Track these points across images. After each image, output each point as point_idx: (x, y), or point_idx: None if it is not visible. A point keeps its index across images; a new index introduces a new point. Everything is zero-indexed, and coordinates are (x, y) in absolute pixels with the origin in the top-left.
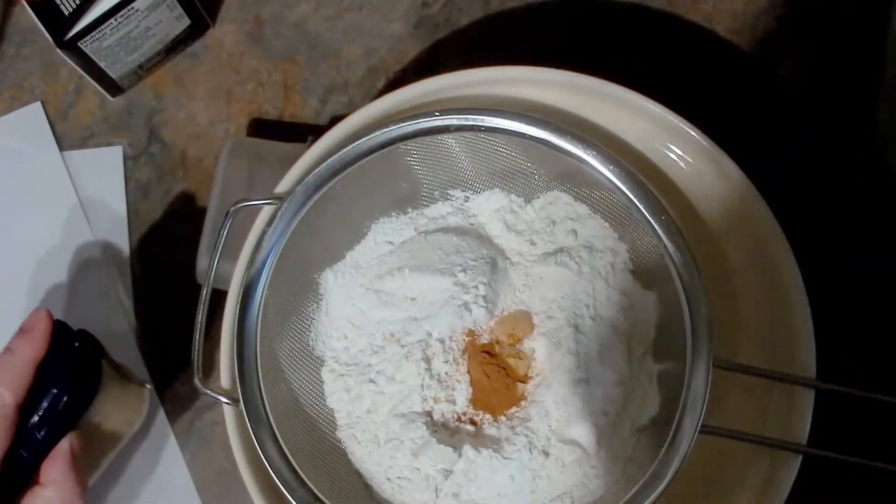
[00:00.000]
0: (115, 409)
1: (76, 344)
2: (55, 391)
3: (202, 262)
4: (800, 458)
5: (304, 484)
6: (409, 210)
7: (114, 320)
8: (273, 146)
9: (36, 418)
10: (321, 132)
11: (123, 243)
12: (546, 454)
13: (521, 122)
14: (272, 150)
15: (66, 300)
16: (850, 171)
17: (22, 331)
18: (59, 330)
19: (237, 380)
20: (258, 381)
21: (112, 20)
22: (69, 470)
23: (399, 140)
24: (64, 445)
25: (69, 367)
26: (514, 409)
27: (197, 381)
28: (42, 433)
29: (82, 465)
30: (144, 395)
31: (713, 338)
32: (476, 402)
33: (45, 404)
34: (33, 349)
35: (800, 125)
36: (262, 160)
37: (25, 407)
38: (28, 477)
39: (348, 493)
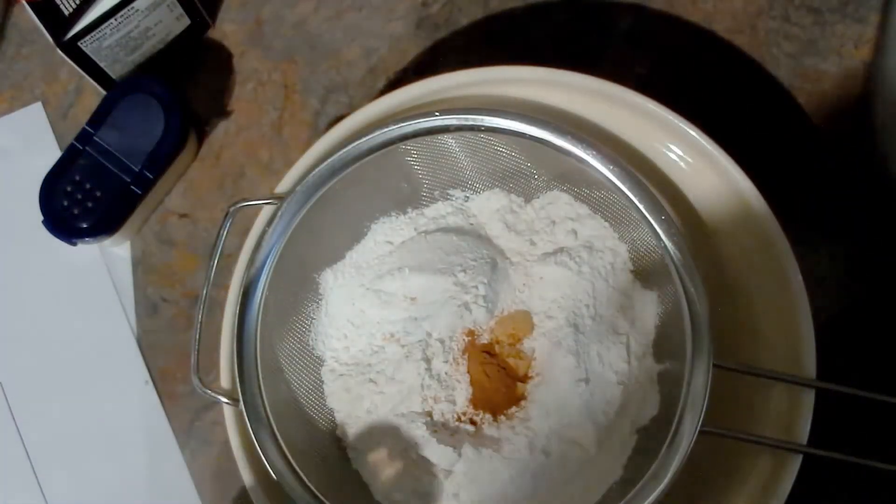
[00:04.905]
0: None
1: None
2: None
3: None
4: (800, 458)
5: (304, 484)
6: (409, 210)
7: (114, 319)
8: None
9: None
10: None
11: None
12: (546, 454)
13: (521, 122)
14: None
15: (66, 300)
16: (849, 171)
17: None
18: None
19: (237, 380)
20: (258, 381)
21: (112, 20)
22: None
23: (399, 140)
24: None
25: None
26: (514, 408)
27: (196, 381)
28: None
29: None
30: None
31: (713, 338)
32: (476, 402)
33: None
34: None
35: (800, 125)
36: None
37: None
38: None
39: (348, 493)
